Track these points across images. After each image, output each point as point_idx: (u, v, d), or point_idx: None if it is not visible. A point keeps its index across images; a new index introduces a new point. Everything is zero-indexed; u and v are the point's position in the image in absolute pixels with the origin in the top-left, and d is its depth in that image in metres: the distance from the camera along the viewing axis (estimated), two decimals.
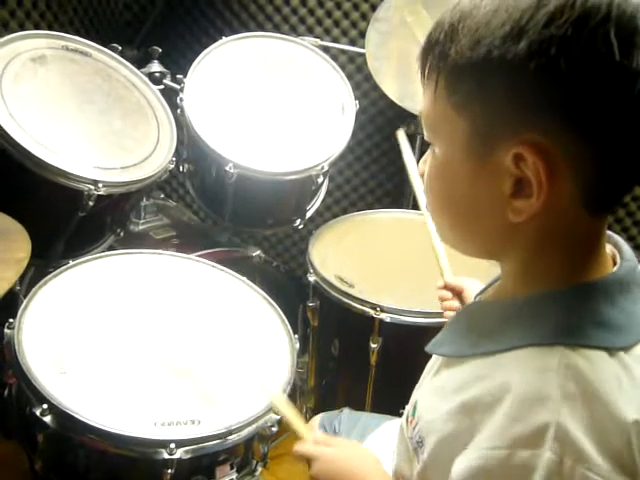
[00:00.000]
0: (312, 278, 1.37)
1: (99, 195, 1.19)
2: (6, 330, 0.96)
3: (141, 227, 1.65)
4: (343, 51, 1.85)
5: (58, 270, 1.11)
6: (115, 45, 1.48)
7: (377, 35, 1.65)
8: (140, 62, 1.59)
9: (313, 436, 0.80)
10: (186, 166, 1.53)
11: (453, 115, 0.52)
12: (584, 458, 0.47)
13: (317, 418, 1.03)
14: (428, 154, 0.59)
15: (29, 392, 0.91)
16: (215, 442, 0.92)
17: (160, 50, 1.62)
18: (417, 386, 0.69)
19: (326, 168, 1.47)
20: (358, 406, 1.19)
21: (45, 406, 0.89)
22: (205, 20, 1.94)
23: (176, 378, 1.00)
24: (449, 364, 0.60)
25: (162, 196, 1.86)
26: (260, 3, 1.90)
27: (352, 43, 1.87)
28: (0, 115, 1.13)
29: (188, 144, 1.49)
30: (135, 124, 1.36)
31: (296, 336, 1.14)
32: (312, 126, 1.51)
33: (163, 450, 0.88)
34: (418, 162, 0.63)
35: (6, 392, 1.02)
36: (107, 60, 1.40)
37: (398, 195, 1.95)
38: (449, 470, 0.54)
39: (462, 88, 0.51)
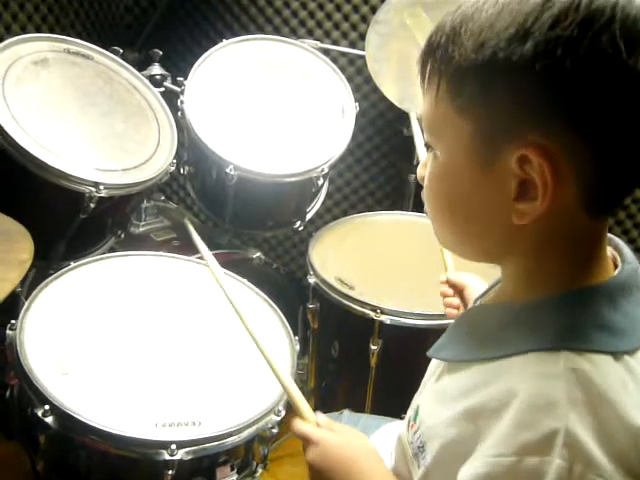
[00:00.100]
0: (312, 280, 1.38)
1: (100, 197, 1.20)
2: (8, 331, 0.97)
3: (142, 229, 1.65)
4: (343, 53, 1.85)
5: (59, 272, 1.12)
6: (116, 48, 1.49)
7: (377, 37, 1.66)
8: (141, 65, 1.59)
9: (315, 418, 0.75)
10: (187, 168, 1.53)
11: (456, 118, 0.52)
12: (594, 464, 0.47)
13: None
14: (427, 158, 0.59)
15: (31, 393, 0.92)
16: (215, 443, 0.92)
17: (161, 53, 1.63)
18: (418, 391, 0.69)
19: (326, 170, 1.47)
20: (358, 408, 1.19)
21: (47, 407, 0.89)
22: (205, 23, 1.95)
23: (177, 379, 1.01)
24: (451, 369, 0.60)
25: (163, 198, 1.86)
26: (260, 6, 1.91)
27: (352, 45, 1.87)
28: (2, 117, 1.14)
29: (189, 146, 1.50)
30: (136, 126, 1.36)
31: (296, 338, 1.14)
32: (312, 128, 1.51)
33: (164, 451, 0.88)
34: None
35: (8, 393, 1.03)
36: (108, 63, 1.41)
37: (398, 197, 1.95)
38: (452, 476, 0.53)
39: (465, 91, 0.51)
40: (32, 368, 0.93)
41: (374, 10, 1.75)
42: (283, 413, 0.99)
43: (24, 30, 1.54)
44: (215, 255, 1.49)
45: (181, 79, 1.50)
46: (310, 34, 1.89)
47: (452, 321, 0.68)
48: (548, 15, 0.46)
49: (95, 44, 1.41)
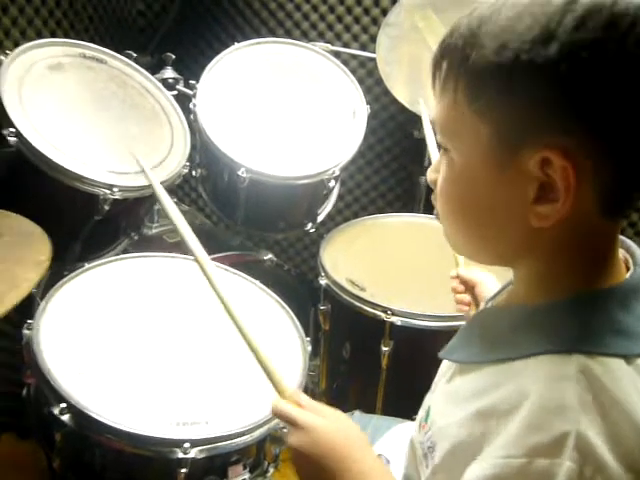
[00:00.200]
0: (323, 281, 1.38)
1: (114, 199, 1.21)
2: (25, 331, 0.99)
3: (154, 231, 1.66)
4: (354, 56, 1.86)
5: (75, 273, 1.13)
6: (130, 52, 1.50)
7: (388, 40, 1.66)
8: (154, 68, 1.61)
9: (297, 397, 0.69)
10: (199, 171, 1.55)
11: (474, 120, 0.52)
12: (603, 467, 0.47)
13: None
14: (439, 161, 0.58)
15: (47, 392, 0.93)
16: (228, 442, 0.93)
17: (174, 56, 1.65)
18: (430, 391, 0.69)
19: (337, 172, 1.48)
20: (369, 409, 1.20)
21: (63, 405, 0.90)
22: (217, 26, 1.96)
23: (190, 379, 1.02)
24: (463, 371, 0.60)
25: (175, 200, 1.88)
26: (272, 9, 1.92)
27: (363, 48, 1.88)
28: (19, 121, 1.16)
29: (201, 149, 1.51)
30: (149, 129, 1.38)
31: (308, 339, 1.15)
32: (324, 131, 1.52)
33: (178, 449, 0.89)
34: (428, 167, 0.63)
35: (24, 392, 1.05)
36: (122, 67, 1.42)
37: (409, 199, 1.95)
38: (457, 476, 0.53)
39: (485, 93, 0.51)
40: (48, 367, 0.94)
41: (385, 12, 1.76)
42: None
43: (39, 35, 1.56)
44: (227, 257, 1.50)
45: (193, 82, 1.52)
46: (321, 37, 1.90)
47: (463, 323, 0.68)
48: (572, 17, 0.46)
49: (108, 48, 1.43)
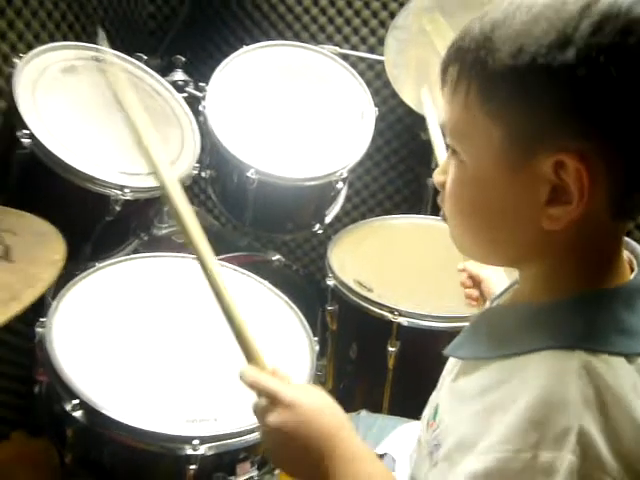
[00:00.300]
0: (331, 282, 1.39)
1: (125, 200, 1.23)
2: (37, 329, 1.00)
3: (164, 231, 1.67)
4: (362, 59, 1.87)
5: (86, 272, 1.15)
6: (140, 55, 1.52)
7: (396, 43, 1.67)
8: (164, 71, 1.62)
9: (275, 370, 0.65)
10: (208, 172, 1.56)
11: (487, 123, 0.52)
12: (603, 465, 0.48)
13: None
14: (447, 163, 0.59)
15: (60, 389, 0.95)
16: (236, 440, 0.94)
17: (183, 59, 1.66)
18: (436, 389, 0.69)
19: (345, 174, 1.49)
20: (375, 409, 1.20)
21: (75, 402, 0.92)
22: (226, 29, 1.98)
23: (199, 377, 1.03)
24: (468, 368, 0.60)
25: None
26: (280, 12, 1.93)
27: (371, 51, 1.89)
28: (33, 124, 1.18)
29: (210, 150, 1.52)
30: (160, 131, 1.40)
31: (316, 339, 1.16)
32: (332, 133, 1.53)
33: (187, 446, 0.91)
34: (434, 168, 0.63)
35: (37, 389, 1.06)
36: (133, 69, 1.44)
37: (416, 201, 1.96)
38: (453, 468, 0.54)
39: (499, 96, 0.51)
40: (61, 364, 0.96)
41: (393, 15, 1.77)
42: None
43: (52, 38, 1.58)
44: (235, 257, 1.51)
45: (203, 84, 1.53)
46: (330, 39, 1.92)
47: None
48: (588, 22, 0.47)
49: (119, 51, 1.44)
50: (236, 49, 1.58)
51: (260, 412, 0.64)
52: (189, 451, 0.91)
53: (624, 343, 0.52)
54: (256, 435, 0.95)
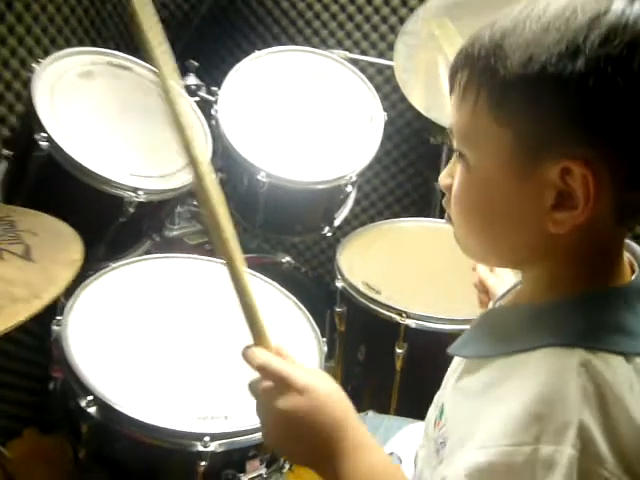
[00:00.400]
0: (340, 284, 1.40)
1: (139, 202, 1.25)
2: (54, 327, 1.03)
3: (175, 233, 1.70)
4: (372, 63, 1.88)
5: (101, 272, 1.17)
6: None
7: (405, 48, 1.68)
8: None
9: (282, 352, 0.63)
10: (219, 175, 1.58)
11: (495, 128, 0.53)
12: (601, 458, 0.48)
13: None
14: (454, 167, 0.60)
15: (75, 385, 0.97)
16: (246, 437, 0.96)
17: (196, 64, 1.69)
18: (441, 389, 0.70)
19: (355, 178, 1.50)
20: (383, 410, 1.21)
21: (90, 398, 0.94)
22: (239, 34, 2.00)
23: (210, 375, 1.05)
24: (471, 367, 0.61)
25: (195, 203, 1.92)
26: (292, 17, 1.96)
27: (381, 55, 1.90)
28: (51, 127, 1.20)
29: (222, 153, 1.54)
30: (173, 135, 1.42)
31: (324, 339, 1.18)
32: (341, 137, 1.55)
33: (198, 443, 0.93)
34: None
35: (51, 386, 1.09)
36: (147, 74, 1.46)
37: (425, 204, 1.98)
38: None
39: (508, 103, 0.52)
40: (76, 361, 0.98)
41: (402, 21, 1.79)
42: None
43: (68, 42, 1.61)
44: (245, 259, 1.53)
45: (215, 89, 1.55)
46: (340, 44, 1.93)
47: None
48: (597, 34, 0.48)
49: (134, 55, 1.46)
50: (248, 54, 1.59)
51: (266, 395, 0.61)
52: (200, 447, 0.93)
53: (623, 343, 0.53)
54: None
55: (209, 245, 1.68)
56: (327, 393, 0.61)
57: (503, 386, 0.54)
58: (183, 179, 1.35)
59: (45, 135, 1.19)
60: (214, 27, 1.99)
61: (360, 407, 1.46)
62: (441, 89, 1.57)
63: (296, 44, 1.89)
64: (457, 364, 0.66)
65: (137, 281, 1.21)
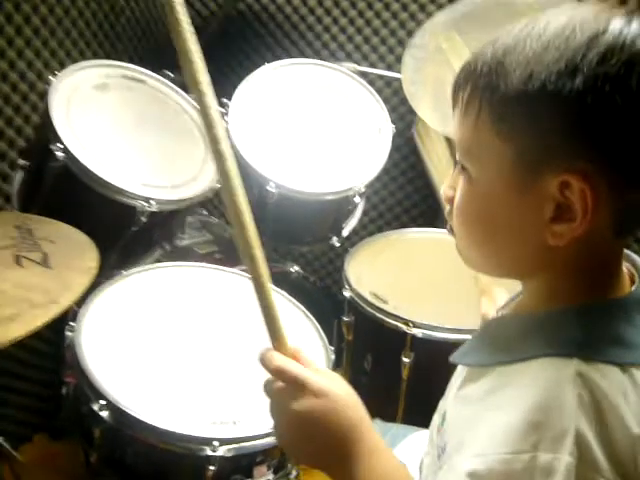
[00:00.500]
0: (347, 294, 1.42)
1: (151, 211, 1.27)
2: (67, 333, 1.05)
3: (186, 242, 1.71)
4: (380, 76, 1.90)
5: (113, 279, 1.20)
6: (167, 72, 1.58)
7: (413, 61, 1.70)
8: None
9: (299, 355, 0.64)
10: None
11: (497, 143, 0.55)
12: (598, 465, 0.49)
13: None
14: (456, 179, 0.61)
15: (88, 389, 0.99)
16: (253, 442, 0.97)
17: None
18: (444, 397, 0.71)
19: (363, 189, 1.52)
20: (389, 419, 1.22)
21: (102, 402, 0.96)
22: (249, 47, 2.03)
23: (219, 381, 1.07)
24: (473, 375, 0.62)
25: (205, 213, 1.95)
26: (301, 30, 1.98)
27: (389, 68, 1.92)
28: (67, 138, 1.23)
29: None
30: (185, 146, 1.44)
31: (332, 348, 1.19)
32: (350, 148, 1.56)
33: (207, 447, 0.94)
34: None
35: (64, 390, 1.11)
36: (160, 86, 1.49)
37: (432, 215, 1.99)
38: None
39: (510, 118, 0.53)
40: (89, 367, 1.00)
41: (410, 34, 1.80)
42: None
43: (82, 55, 1.65)
44: None
45: (225, 100, 1.57)
46: (349, 57, 1.96)
47: None
48: (595, 53, 0.50)
49: (146, 67, 1.49)
50: (258, 66, 1.61)
51: (281, 395, 0.62)
52: (209, 452, 0.94)
53: (619, 353, 0.54)
54: (272, 439, 0.98)
55: (219, 254, 1.71)
56: (343, 396, 0.61)
57: (502, 394, 0.56)
58: (194, 189, 1.38)
59: (61, 146, 1.21)
60: (225, 40, 2.02)
61: None
62: (448, 101, 1.59)
63: (305, 57, 1.92)
64: (459, 372, 0.68)
65: (148, 288, 1.23)
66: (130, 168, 1.31)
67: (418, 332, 1.30)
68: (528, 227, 0.56)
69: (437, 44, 1.67)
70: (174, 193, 1.34)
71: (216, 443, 0.95)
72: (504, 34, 0.55)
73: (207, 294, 1.27)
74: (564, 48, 0.51)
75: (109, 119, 1.35)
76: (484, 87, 0.55)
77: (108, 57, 1.71)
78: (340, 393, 0.61)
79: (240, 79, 1.58)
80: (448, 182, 0.64)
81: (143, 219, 1.28)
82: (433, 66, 1.68)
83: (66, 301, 0.85)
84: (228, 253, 1.73)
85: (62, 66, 1.53)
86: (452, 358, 0.66)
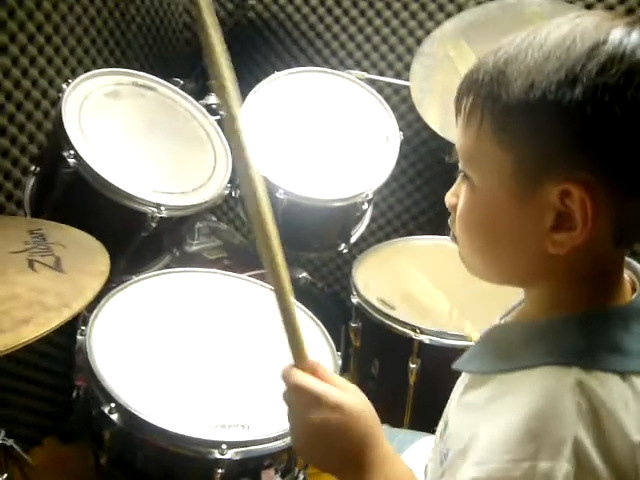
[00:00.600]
0: (355, 300, 1.43)
1: (161, 217, 1.29)
2: (79, 337, 1.06)
3: (195, 248, 1.74)
4: (389, 84, 1.90)
5: (124, 284, 1.21)
6: (177, 79, 1.60)
7: (422, 69, 1.71)
8: (198, 94, 1.69)
9: (316, 367, 0.65)
10: (238, 191, 1.61)
11: (498, 152, 0.55)
12: (596, 472, 0.50)
13: None
14: (459, 187, 0.62)
15: (98, 392, 1.00)
16: (261, 446, 0.98)
17: None
18: (448, 403, 0.71)
19: (371, 196, 1.53)
20: (396, 425, 1.22)
21: (112, 405, 0.98)
22: (258, 55, 2.05)
23: (229, 385, 1.08)
24: (475, 382, 0.62)
25: (214, 219, 1.96)
26: (310, 38, 2.00)
27: (397, 76, 1.93)
28: (79, 144, 1.25)
29: None
30: (194, 152, 1.46)
31: (339, 353, 1.20)
32: (358, 155, 1.58)
33: (215, 450, 0.95)
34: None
35: (74, 394, 1.12)
36: (170, 94, 1.51)
37: (440, 223, 1.98)
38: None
39: (511, 127, 0.53)
40: (100, 370, 1.01)
41: (419, 42, 1.81)
42: None
43: (94, 63, 1.67)
44: (264, 274, 1.56)
45: None
46: (357, 65, 1.97)
47: None
48: (595, 62, 0.50)
49: (156, 75, 1.51)
50: (267, 74, 1.62)
51: (299, 406, 0.64)
52: (217, 455, 0.95)
53: (619, 362, 0.54)
54: (279, 443, 1.00)
55: (227, 260, 1.72)
56: (359, 409, 0.63)
57: (502, 402, 0.56)
58: (204, 196, 1.39)
59: (73, 152, 1.23)
60: (234, 48, 2.03)
61: None
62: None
63: (315, 65, 1.94)
64: (462, 379, 0.68)
65: (158, 293, 1.24)
66: (140, 174, 1.33)
67: (425, 338, 1.30)
68: (529, 235, 0.56)
69: (445, 52, 1.69)
70: (184, 199, 1.35)
71: (224, 446, 0.96)
72: (506, 43, 0.56)
73: (216, 299, 1.28)
74: (565, 58, 0.51)
75: (120, 126, 1.37)
76: (486, 96, 0.55)
77: (119, 65, 1.73)
78: (355, 406, 0.63)
79: (250, 87, 1.59)
80: (452, 190, 0.64)
81: (153, 225, 1.29)
82: (441, 74, 1.69)
83: (78, 305, 0.87)
84: (237, 259, 1.74)
85: (74, 73, 1.56)
86: (455, 365, 0.66)
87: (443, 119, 1.70)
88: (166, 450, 0.97)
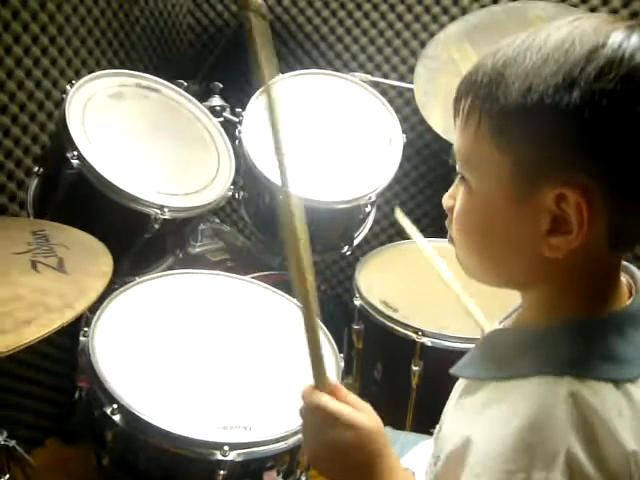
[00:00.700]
0: (358, 302, 1.43)
1: (164, 218, 1.29)
2: (81, 338, 1.06)
3: (198, 249, 1.74)
4: (392, 86, 1.91)
5: (127, 285, 1.21)
6: (181, 81, 1.60)
7: (426, 71, 1.71)
8: (202, 96, 1.69)
9: (334, 389, 0.66)
10: (241, 193, 1.61)
11: (496, 155, 0.54)
12: None
13: None
14: (457, 189, 0.62)
15: (100, 393, 1.00)
16: (263, 448, 0.98)
17: (221, 85, 1.74)
18: (445, 407, 0.71)
19: (374, 198, 1.53)
20: (399, 427, 1.23)
21: (115, 406, 0.97)
22: None
23: (231, 386, 1.08)
24: (471, 387, 0.62)
25: (217, 221, 1.96)
26: (314, 41, 2.00)
27: (401, 78, 1.93)
28: (82, 146, 1.25)
29: (244, 173, 1.57)
30: (198, 154, 1.46)
31: (341, 355, 1.20)
32: (361, 158, 1.58)
33: (217, 452, 0.95)
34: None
35: (77, 395, 1.13)
36: (174, 95, 1.51)
37: (442, 225, 1.99)
38: None
39: (509, 130, 0.53)
40: (102, 371, 1.01)
41: (423, 45, 1.81)
42: None
43: (98, 64, 1.68)
44: (267, 276, 1.57)
45: (239, 110, 1.59)
46: (361, 67, 1.97)
47: None
48: (593, 66, 0.49)
49: (160, 77, 1.51)
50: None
51: (315, 423, 0.66)
52: (219, 456, 0.95)
53: (612, 370, 0.54)
54: (282, 444, 1.00)
55: (230, 262, 1.72)
56: (369, 428, 0.64)
57: (497, 409, 0.56)
58: (207, 197, 1.39)
59: (76, 153, 1.23)
60: (239, 50, 2.04)
61: None
62: None
63: (318, 67, 1.94)
64: (458, 384, 0.68)
65: (161, 295, 1.24)
66: (144, 176, 1.33)
67: (427, 341, 1.30)
68: (525, 238, 0.56)
69: (449, 55, 1.68)
70: (187, 201, 1.35)
71: (226, 448, 0.96)
72: (505, 45, 0.55)
73: (219, 301, 1.28)
74: (563, 61, 0.51)
75: (124, 127, 1.37)
76: (484, 98, 0.54)
77: (123, 66, 1.74)
78: (367, 425, 0.65)
79: (254, 89, 1.59)
80: (449, 192, 0.64)
81: (156, 226, 1.29)
82: (445, 77, 1.69)
83: (81, 306, 0.87)
84: (240, 261, 1.74)
85: (78, 74, 1.56)
86: (452, 370, 0.65)
87: (446, 122, 1.70)
88: (168, 451, 0.97)
